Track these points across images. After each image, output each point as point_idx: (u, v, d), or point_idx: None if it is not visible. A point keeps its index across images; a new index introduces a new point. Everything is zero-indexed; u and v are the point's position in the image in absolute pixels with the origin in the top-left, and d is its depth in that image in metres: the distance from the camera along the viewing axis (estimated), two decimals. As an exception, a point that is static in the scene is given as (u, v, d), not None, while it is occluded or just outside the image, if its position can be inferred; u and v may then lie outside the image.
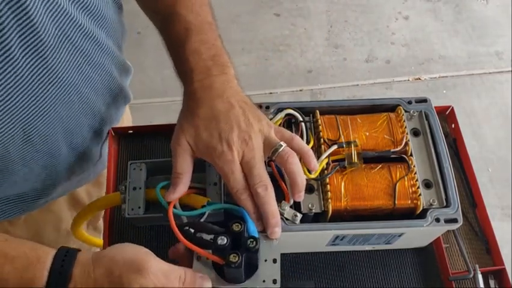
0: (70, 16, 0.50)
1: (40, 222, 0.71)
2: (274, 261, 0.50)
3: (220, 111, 0.53)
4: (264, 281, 0.49)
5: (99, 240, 0.81)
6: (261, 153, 0.52)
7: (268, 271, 0.49)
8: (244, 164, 0.51)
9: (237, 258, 0.46)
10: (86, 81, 0.56)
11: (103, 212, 0.89)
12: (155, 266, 0.45)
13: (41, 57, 0.48)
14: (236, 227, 0.48)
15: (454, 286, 0.63)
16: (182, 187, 0.53)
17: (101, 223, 0.90)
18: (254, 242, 0.47)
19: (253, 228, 0.49)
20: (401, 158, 0.58)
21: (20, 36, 0.45)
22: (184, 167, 0.53)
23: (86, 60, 0.55)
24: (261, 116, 0.54)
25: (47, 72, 0.50)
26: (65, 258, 0.45)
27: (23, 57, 0.47)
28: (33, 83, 0.49)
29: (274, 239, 0.51)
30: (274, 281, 0.49)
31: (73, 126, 0.58)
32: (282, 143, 0.52)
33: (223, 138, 0.51)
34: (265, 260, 0.50)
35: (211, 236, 0.49)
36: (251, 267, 0.49)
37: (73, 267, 0.45)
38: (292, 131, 0.60)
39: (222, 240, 0.47)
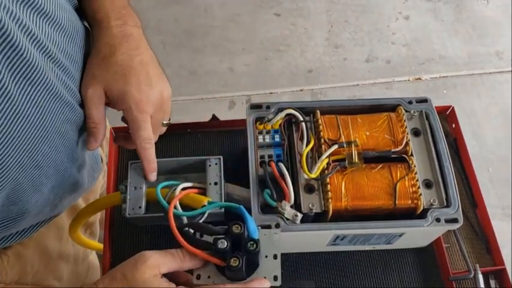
0: (48, 36, 0.49)
1: (44, 238, 0.71)
2: (275, 257, 0.49)
3: (139, 62, 0.55)
4: (264, 278, 0.48)
5: (95, 243, 0.81)
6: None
7: (269, 268, 0.49)
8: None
9: (237, 263, 0.46)
10: (70, 93, 0.54)
11: (99, 215, 0.89)
12: (151, 252, 0.46)
13: (30, 80, 0.47)
14: (236, 229, 0.48)
15: (455, 286, 0.63)
16: (101, 136, 0.56)
17: (97, 226, 0.90)
18: (254, 245, 0.47)
19: (253, 228, 0.49)
20: (401, 158, 0.58)
21: (8, 64, 0.43)
22: (100, 116, 0.56)
23: (66, 74, 0.54)
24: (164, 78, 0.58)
25: (40, 93, 0.48)
26: None
27: (14, 85, 0.44)
28: (29, 107, 0.47)
29: (274, 234, 0.50)
30: (275, 278, 0.48)
31: (70, 139, 0.57)
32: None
33: (142, 89, 0.54)
34: (266, 256, 0.49)
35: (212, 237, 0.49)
36: (252, 265, 0.49)
37: None
38: (292, 131, 0.61)
39: (223, 244, 0.46)
